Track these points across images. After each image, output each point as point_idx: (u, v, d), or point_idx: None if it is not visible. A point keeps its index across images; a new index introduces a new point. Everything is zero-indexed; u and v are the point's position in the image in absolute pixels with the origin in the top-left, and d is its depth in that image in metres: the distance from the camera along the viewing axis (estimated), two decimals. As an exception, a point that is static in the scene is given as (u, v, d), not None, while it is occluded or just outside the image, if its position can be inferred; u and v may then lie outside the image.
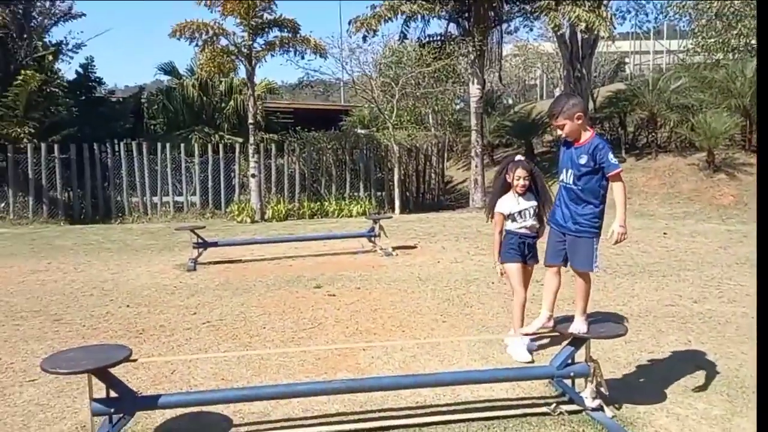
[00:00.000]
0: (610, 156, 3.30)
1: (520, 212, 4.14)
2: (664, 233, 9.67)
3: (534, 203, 4.17)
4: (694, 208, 12.15)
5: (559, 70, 22.34)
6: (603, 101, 17.42)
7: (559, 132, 3.49)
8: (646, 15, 24.40)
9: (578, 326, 3.38)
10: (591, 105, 17.69)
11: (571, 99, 3.46)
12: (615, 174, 3.31)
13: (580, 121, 3.38)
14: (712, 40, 17.34)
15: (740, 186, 12.48)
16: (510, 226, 4.18)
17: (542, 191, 4.20)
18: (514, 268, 4.18)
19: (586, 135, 3.42)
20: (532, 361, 4.05)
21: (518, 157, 4.25)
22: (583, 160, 3.36)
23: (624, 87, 17.32)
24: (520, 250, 4.16)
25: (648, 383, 3.78)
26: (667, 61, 28.56)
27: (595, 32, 13.92)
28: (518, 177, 4.10)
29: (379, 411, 3.46)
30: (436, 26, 56.09)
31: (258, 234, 10.95)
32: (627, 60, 33.94)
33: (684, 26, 24.41)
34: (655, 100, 14.55)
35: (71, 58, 17.30)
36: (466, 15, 15.23)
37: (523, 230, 4.15)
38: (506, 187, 4.20)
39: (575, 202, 3.43)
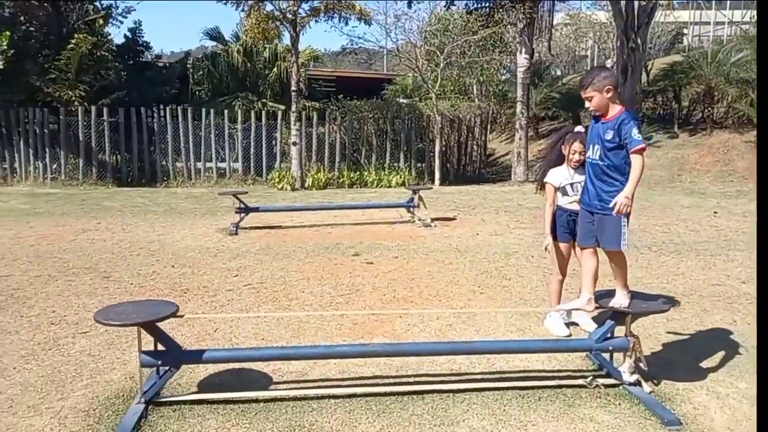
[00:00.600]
0: (635, 132, 3.17)
1: (571, 185, 3.93)
2: (715, 212, 9.34)
3: None
4: (748, 187, 11.65)
5: (612, 40, 21.46)
6: (657, 73, 16.72)
7: (587, 105, 3.37)
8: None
9: (619, 300, 3.32)
10: (645, 77, 17.03)
11: (603, 71, 3.34)
12: (637, 149, 3.16)
13: (609, 95, 3.26)
14: (779, 9, 16.34)
15: (799, 165, 11.88)
16: (560, 200, 3.99)
17: None
18: (559, 247, 4.03)
19: (615, 110, 3.29)
20: (570, 335, 4.02)
21: (578, 128, 4.01)
22: (609, 135, 3.24)
23: (681, 59, 16.57)
24: (569, 227, 3.94)
25: (689, 361, 3.70)
26: (729, 32, 27.10)
27: (654, 0, 13.31)
28: (574, 151, 3.89)
29: (414, 376, 3.50)
30: (484, -6, 54.59)
31: (298, 201, 11.08)
32: (686, 31, 32.36)
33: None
34: (713, 73, 13.88)
35: (120, 22, 17.57)
36: (517, -19, 14.76)
37: (573, 206, 3.90)
38: (561, 159, 4.02)
39: (601, 179, 3.32)
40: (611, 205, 3.22)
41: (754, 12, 19.02)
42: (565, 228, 3.97)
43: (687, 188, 12.02)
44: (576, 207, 3.81)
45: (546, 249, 4.14)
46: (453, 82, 19.33)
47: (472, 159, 17.37)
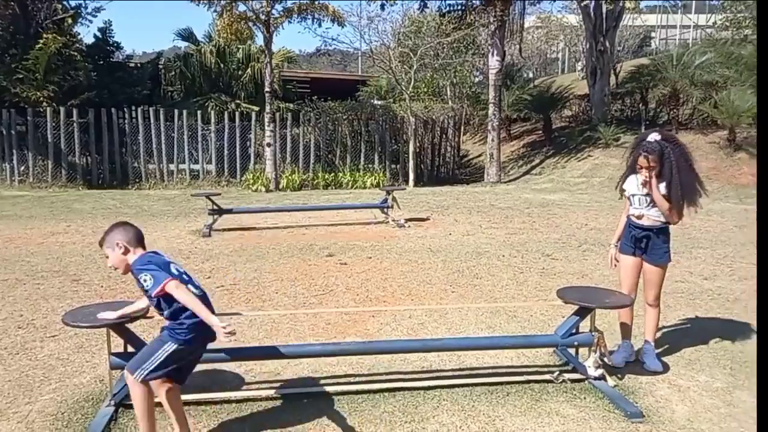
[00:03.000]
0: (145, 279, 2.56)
1: (633, 195, 3.62)
2: (680, 211, 9.59)
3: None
4: (712, 186, 11.97)
5: (582, 43, 21.88)
6: (625, 76, 17.10)
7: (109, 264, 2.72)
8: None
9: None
10: (613, 80, 17.39)
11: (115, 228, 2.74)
12: (157, 292, 2.48)
13: (121, 250, 2.65)
14: (742, 14, 16.86)
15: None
16: (631, 210, 3.67)
17: (674, 179, 3.42)
18: (621, 260, 3.73)
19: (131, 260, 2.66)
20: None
21: (651, 137, 3.49)
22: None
23: (647, 62, 16.98)
24: (631, 240, 3.64)
25: (652, 356, 3.82)
26: (695, 36, 27.83)
27: (620, 4, 13.61)
28: (639, 167, 3.50)
29: (386, 374, 3.55)
30: (457, -4, 55.04)
31: (272, 203, 11.05)
32: (653, 34, 33.10)
33: (713, 0, 23.74)
34: (678, 75, 14.25)
35: (90, 21, 17.42)
36: (488, -16, 14.95)
37: (632, 218, 3.64)
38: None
39: None
40: None
41: (719, 16, 19.58)
42: (627, 240, 3.68)
43: (654, 188, 12.30)
44: (634, 219, 3.62)
45: (612, 262, 3.80)
46: (426, 84, 19.47)
47: (446, 160, 17.52)
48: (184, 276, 2.69)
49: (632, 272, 3.69)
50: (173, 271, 2.65)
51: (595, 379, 3.32)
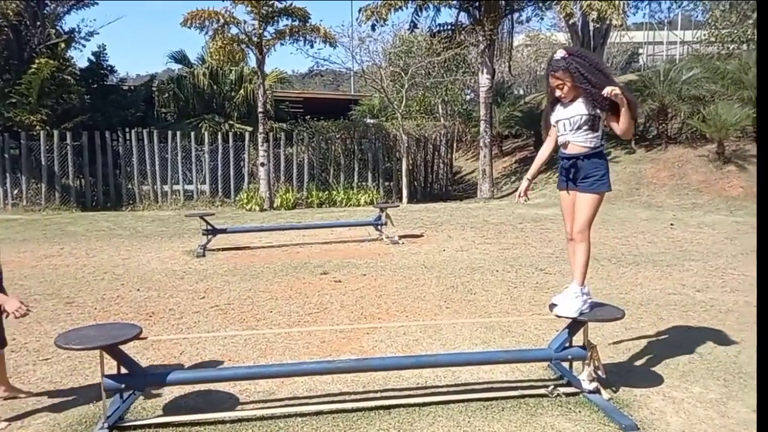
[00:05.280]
0: None
1: (558, 121, 3.45)
2: (671, 224, 9.67)
3: (577, 113, 3.34)
4: (702, 199, 12.09)
5: (570, 60, 22.18)
6: (614, 92, 17.24)
7: None
8: (660, 5, 24.19)
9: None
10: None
11: None
12: None
13: None
14: (726, 30, 17.14)
15: (750, 177, 12.39)
16: (558, 140, 3.48)
17: (588, 88, 3.26)
18: (560, 198, 3.56)
19: None
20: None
21: (556, 55, 3.38)
22: None
23: (635, 78, 17.20)
24: (563, 174, 3.48)
25: (645, 368, 3.84)
26: (681, 52, 28.27)
27: (608, 21, 13.83)
28: (550, 90, 3.42)
29: (381, 391, 3.54)
30: (447, 15, 55.92)
31: (266, 222, 11.06)
32: (640, 51, 33.61)
33: (698, 16, 24.17)
34: (666, 91, 14.43)
35: (83, 46, 17.63)
36: (477, 4, 15.18)
37: (561, 150, 3.47)
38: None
39: None
40: None
41: (704, 32, 19.91)
42: (561, 175, 3.55)
43: (645, 202, 12.41)
44: (566, 151, 3.45)
45: (518, 196, 3.79)
46: (418, 102, 19.65)
47: (439, 177, 17.61)
48: None
49: (569, 205, 3.50)
50: None
51: (590, 392, 3.33)
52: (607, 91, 3.18)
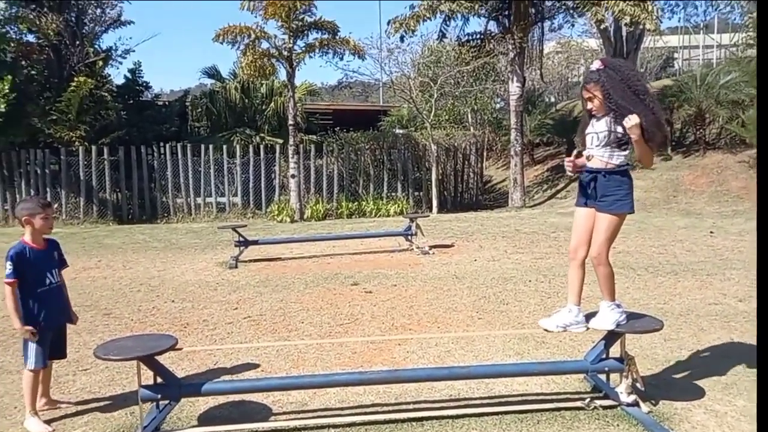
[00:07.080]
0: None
1: (588, 134, 3.35)
2: (711, 232, 9.39)
3: (605, 129, 3.22)
4: (743, 206, 11.73)
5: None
6: (648, 98, 16.92)
7: None
8: (696, 8, 23.66)
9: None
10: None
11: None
12: None
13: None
14: (764, 32, 16.64)
15: (793, 183, 12.00)
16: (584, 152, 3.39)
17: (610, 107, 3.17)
18: (575, 213, 3.45)
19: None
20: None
21: (592, 66, 3.34)
22: None
23: (671, 83, 16.85)
24: (581, 188, 3.37)
25: (686, 380, 3.72)
26: (718, 55, 27.60)
27: (641, 26, 13.61)
28: (582, 97, 3.35)
29: (414, 403, 3.51)
30: (476, 24, 55.84)
31: (297, 233, 11.15)
32: (676, 55, 32.94)
33: (736, 19, 23.59)
34: (703, 95, 14.10)
35: (120, 63, 17.99)
36: (506, 12, 15.13)
37: (586, 163, 3.35)
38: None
39: None
40: None
41: (742, 35, 19.41)
42: (580, 189, 3.45)
43: (683, 209, 12.10)
44: (589, 164, 3.35)
45: (567, 163, 3.51)
46: (447, 112, 19.60)
47: (469, 186, 17.51)
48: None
49: (581, 222, 3.34)
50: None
51: (628, 405, 3.24)
52: (626, 122, 3.09)
